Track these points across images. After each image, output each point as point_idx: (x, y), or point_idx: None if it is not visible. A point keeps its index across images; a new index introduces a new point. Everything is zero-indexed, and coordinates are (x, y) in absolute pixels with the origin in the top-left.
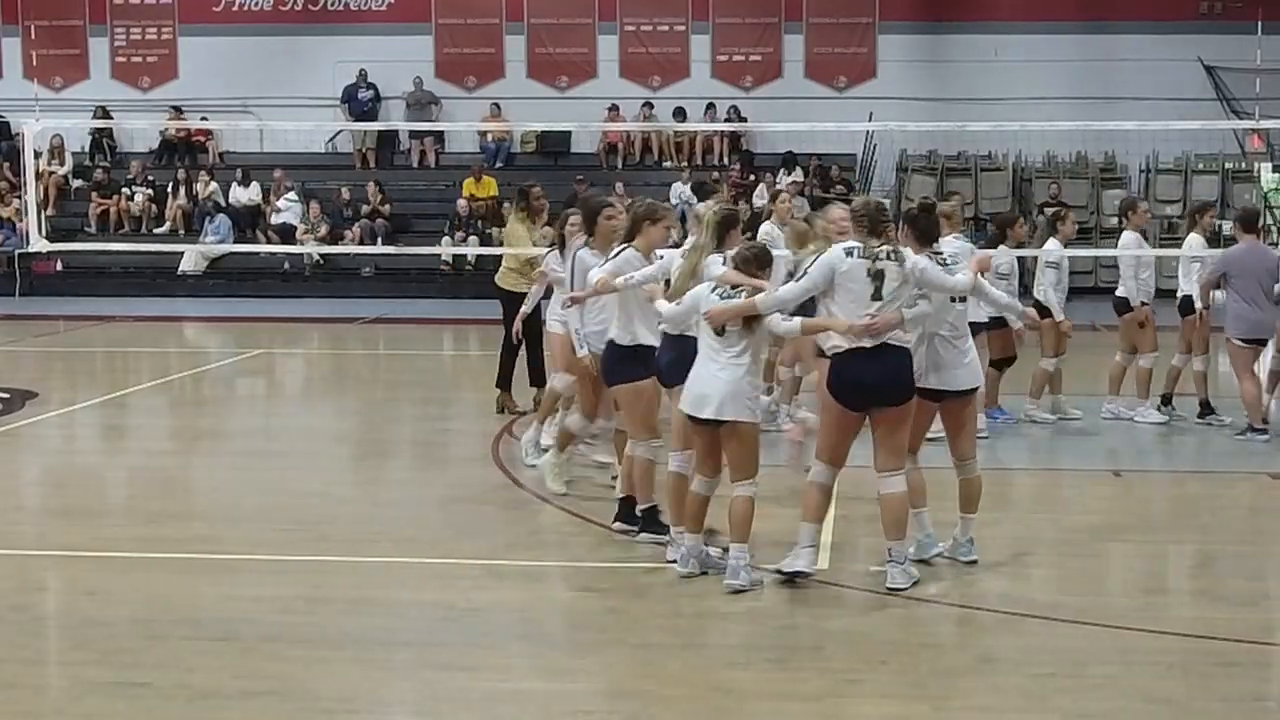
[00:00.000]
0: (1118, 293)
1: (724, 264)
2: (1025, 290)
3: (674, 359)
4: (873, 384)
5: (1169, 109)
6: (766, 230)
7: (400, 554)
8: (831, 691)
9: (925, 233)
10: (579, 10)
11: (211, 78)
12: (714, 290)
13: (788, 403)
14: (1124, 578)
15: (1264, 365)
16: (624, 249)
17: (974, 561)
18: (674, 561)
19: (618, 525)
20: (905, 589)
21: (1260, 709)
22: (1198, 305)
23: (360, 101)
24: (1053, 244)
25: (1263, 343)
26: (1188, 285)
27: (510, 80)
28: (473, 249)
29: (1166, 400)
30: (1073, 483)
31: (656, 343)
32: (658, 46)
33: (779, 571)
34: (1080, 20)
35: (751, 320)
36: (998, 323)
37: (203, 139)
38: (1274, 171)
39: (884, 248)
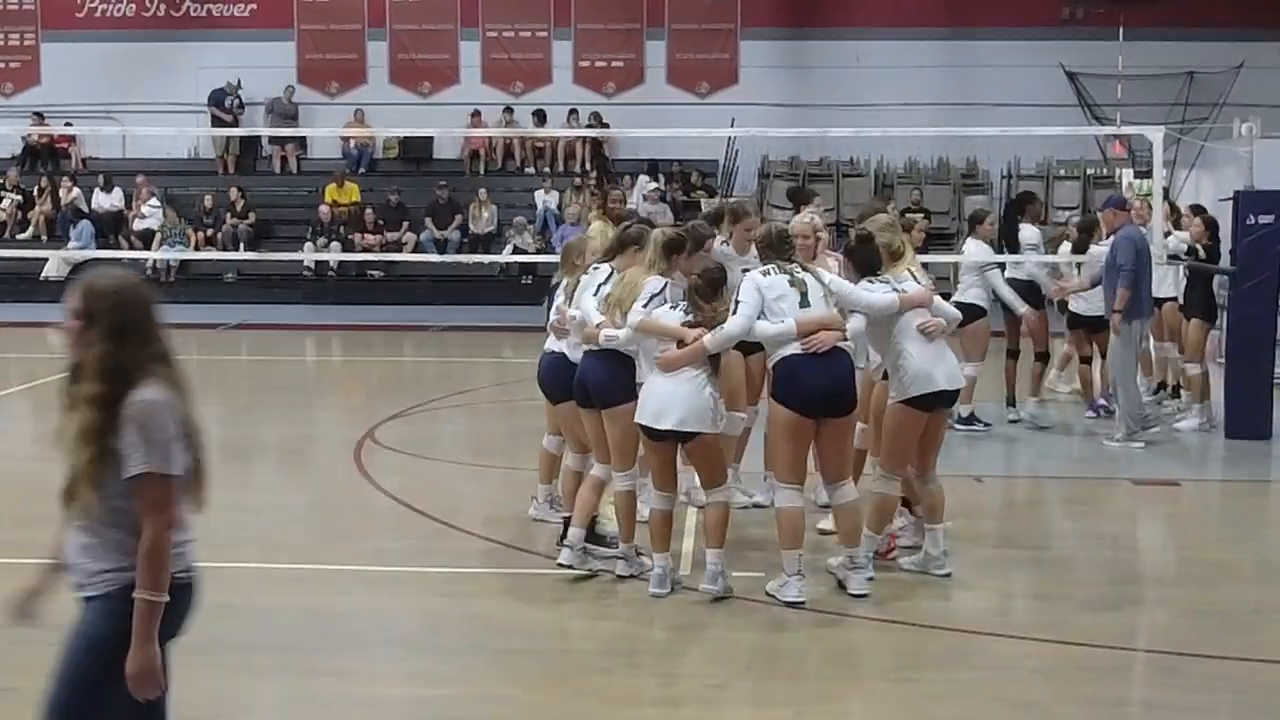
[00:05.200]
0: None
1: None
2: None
3: (610, 378)
4: (826, 388)
5: (1031, 115)
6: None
7: (265, 559)
8: (695, 696)
9: (863, 264)
10: (441, 16)
11: (74, 83)
12: (674, 307)
13: None
14: (989, 584)
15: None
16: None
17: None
18: (630, 576)
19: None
20: (866, 594)
21: (1122, 714)
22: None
23: (226, 108)
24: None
25: None
26: (967, 294)
27: (373, 86)
28: (335, 254)
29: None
30: None
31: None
32: (520, 52)
33: (770, 595)
34: (942, 26)
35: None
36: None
37: (66, 145)
38: (1136, 177)
39: (793, 265)
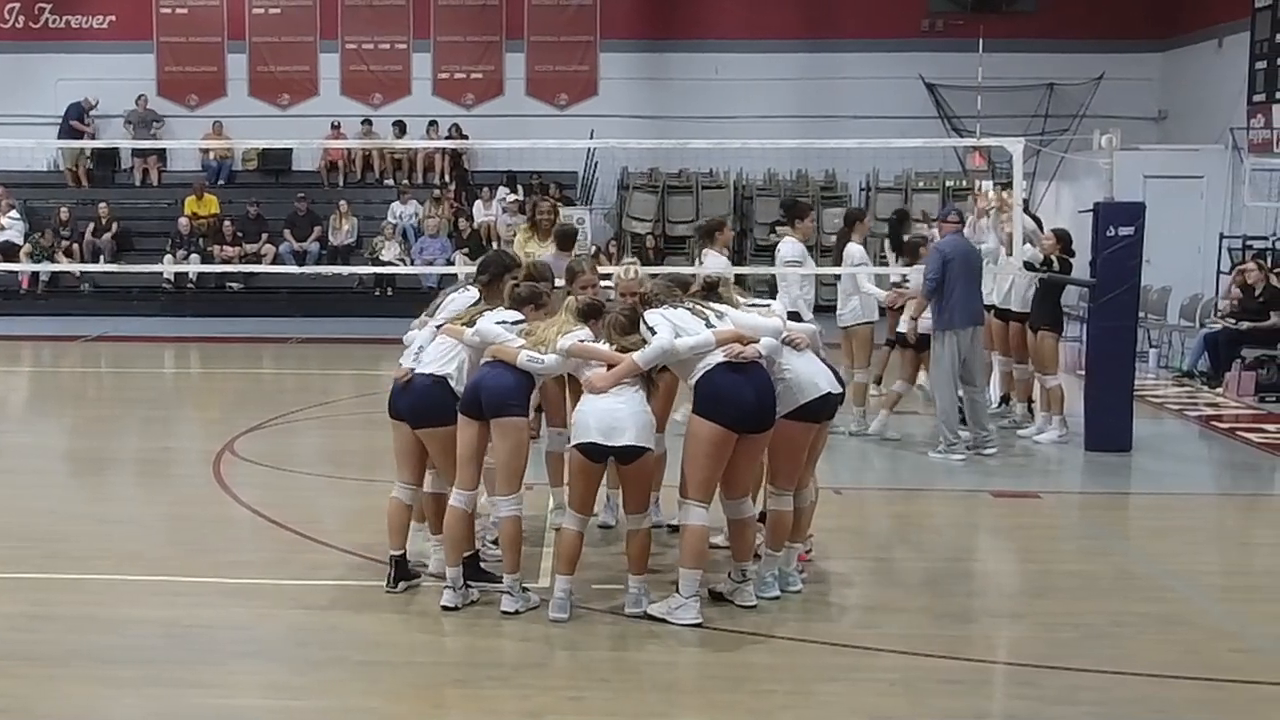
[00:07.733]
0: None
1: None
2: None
3: (512, 386)
4: (753, 401)
5: (891, 126)
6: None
7: (124, 571)
8: (552, 709)
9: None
10: (301, 28)
11: None
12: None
13: None
14: (847, 597)
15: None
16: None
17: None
18: (515, 612)
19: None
20: (754, 605)
21: None
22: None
23: (85, 122)
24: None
25: None
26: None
27: (232, 98)
28: (194, 266)
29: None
30: None
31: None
32: (379, 64)
33: (657, 619)
34: (802, 38)
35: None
36: None
37: None
38: (994, 189)
39: (688, 301)
